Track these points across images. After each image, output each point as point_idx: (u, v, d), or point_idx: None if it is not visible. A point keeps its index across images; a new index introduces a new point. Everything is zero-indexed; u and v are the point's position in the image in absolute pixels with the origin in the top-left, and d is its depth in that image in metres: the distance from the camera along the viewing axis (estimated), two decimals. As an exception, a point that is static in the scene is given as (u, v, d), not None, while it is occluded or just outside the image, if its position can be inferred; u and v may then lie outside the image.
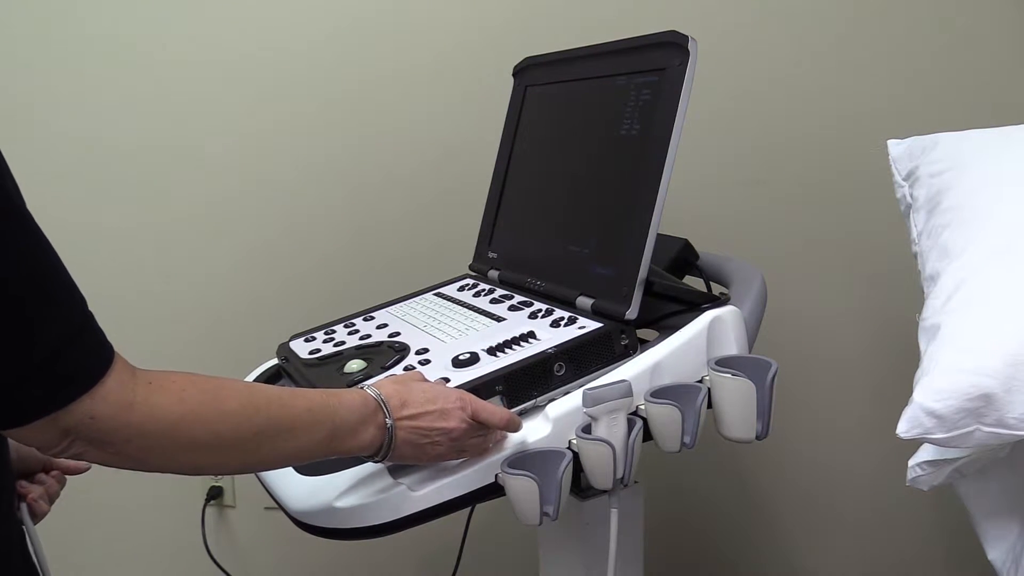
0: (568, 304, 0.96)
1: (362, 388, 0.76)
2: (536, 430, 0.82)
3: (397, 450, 0.75)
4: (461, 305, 1.06)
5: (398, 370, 0.89)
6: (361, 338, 1.03)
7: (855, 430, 1.61)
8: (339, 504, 0.77)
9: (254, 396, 0.69)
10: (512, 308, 1.00)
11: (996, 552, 1.06)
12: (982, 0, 1.49)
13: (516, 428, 0.81)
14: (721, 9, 1.46)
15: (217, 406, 0.66)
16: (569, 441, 0.82)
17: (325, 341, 1.05)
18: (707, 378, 0.86)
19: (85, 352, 0.61)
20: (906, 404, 0.89)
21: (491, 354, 0.87)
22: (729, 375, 0.83)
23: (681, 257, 1.08)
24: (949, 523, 1.63)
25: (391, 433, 0.74)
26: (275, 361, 1.08)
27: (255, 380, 1.05)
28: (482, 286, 1.12)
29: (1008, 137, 1.09)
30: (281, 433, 0.69)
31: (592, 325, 0.88)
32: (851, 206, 1.53)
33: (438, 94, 1.44)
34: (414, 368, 0.88)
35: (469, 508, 1.08)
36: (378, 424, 0.74)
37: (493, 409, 0.80)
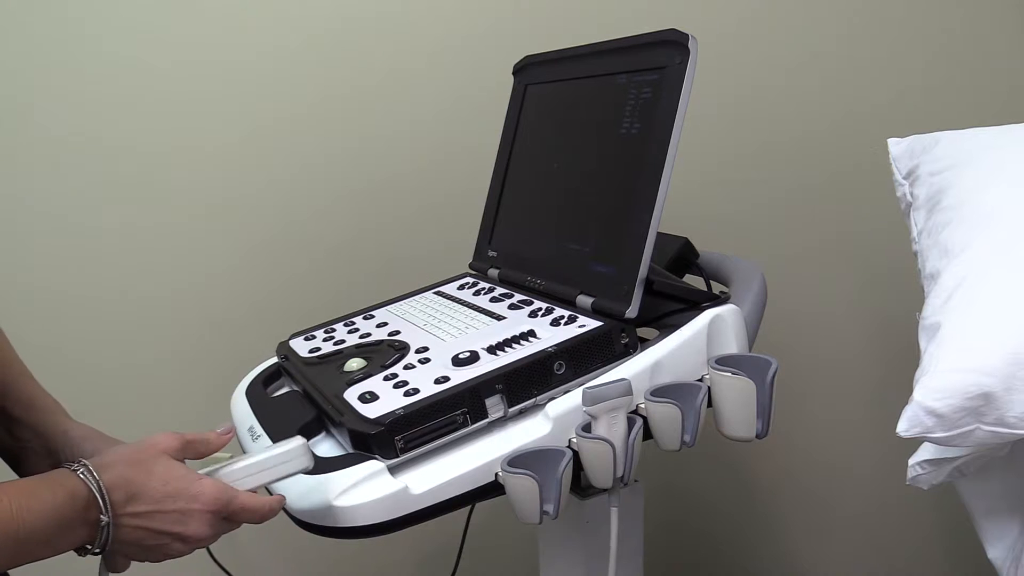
0: (568, 303, 0.96)
1: (79, 473, 0.62)
2: (536, 429, 0.82)
3: (118, 548, 0.64)
4: (461, 304, 1.06)
5: (398, 368, 0.89)
6: (361, 337, 1.03)
7: (855, 429, 1.61)
8: (339, 503, 0.77)
9: None
10: (512, 307, 1.00)
11: (996, 551, 1.06)
12: (982, 0, 1.49)
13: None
14: (722, 7, 1.46)
15: None
16: (569, 440, 0.82)
17: (325, 340, 1.05)
18: (707, 377, 0.86)
19: None
20: (906, 403, 0.89)
21: (491, 353, 0.87)
22: (729, 374, 0.83)
23: (681, 256, 1.08)
24: (949, 522, 1.63)
25: (107, 532, 0.63)
26: (275, 360, 1.08)
27: (255, 378, 1.05)
28: (482, 284, 1.12)
29: (1009, 136, 1.09)
30: None
31: (592, 324, 0.88)
32: (851, 205, 1.53)
33: (438, 92, 1.44)
34: (413, 367, 0.88)
35: (469, 507, 1.08)
36: (89, 522, 0.62)
37: (258, 506, 0.69)
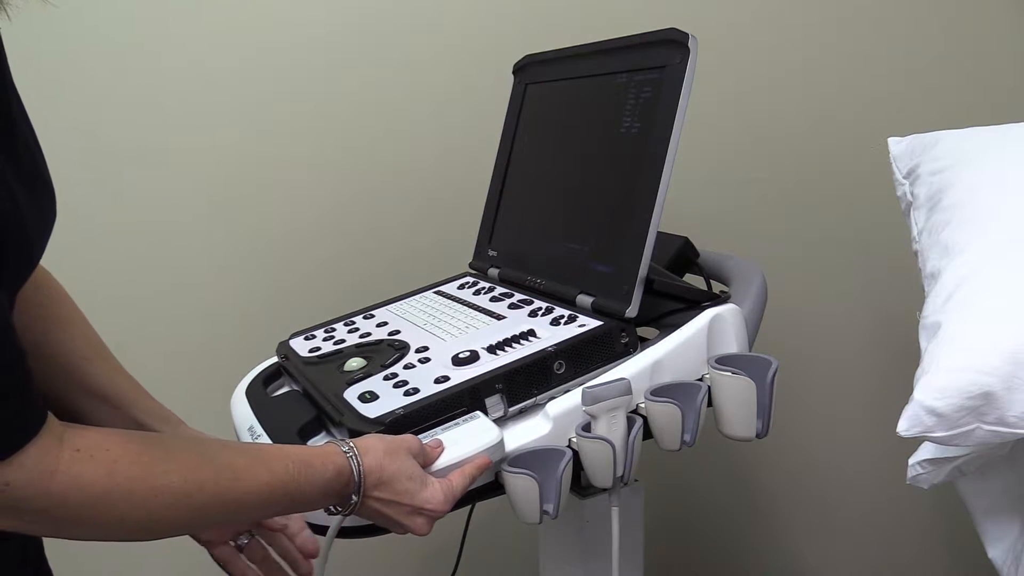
0: (568, 302, 0.96)
1: (347, 454, 0.71)
2: (536, 428, 0.82)
3: (357, 515, 0.74)
4: (461, 303, 1.06)
5: (398, 368, 0.89)
6: (361, 336, 1.02)
7: (855, 428, 1.61)
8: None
9: (201, 470, 0.63)
10: (512, 306, 1.00)
11: (996, 550, 1.06)
12: (982, 0, 1.49)
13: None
14: (722, 7, 1.46)
15: (152, 482, 0.60)
16: (569, 439, 0.82)
17: (325, 339, 1.05)
18: (707, 376, 0.86)
19: (5, 420, 0.55)
20: (906, 402, 0.89)
21: (491, 352, 0.87)
22: (729, 373, 0.83)
23: (681, 255, 1.08)
24: (949, 521, 1.63)
25: (353, 507, 0.72)
26: (275, 359, 1.08)
27: (255, 378, 1.05)
28: (482, 284, 1.12)
29: (1009, 135, 1.09)
30: (225, 509, 0.65)
31: (592, 323, 0.88)
32: (852, 204, 1.53)
33: (438, 92, 1.44)
34: (413, 367, 0.88)
35: (469, 506, 1.08)
36: (343, 496, 0.71)
37: (470, 482, 0.76)
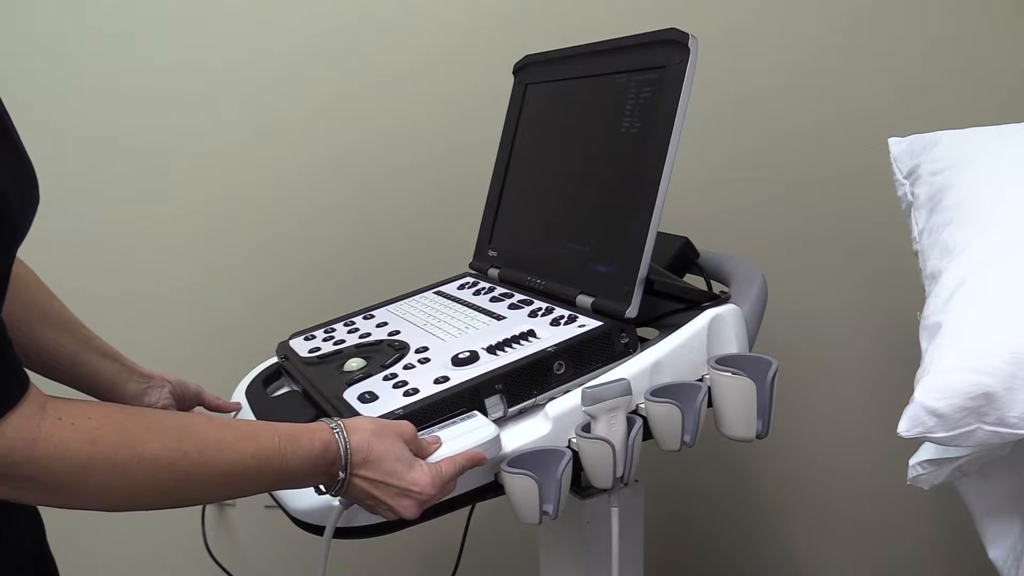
0: (568, 302, 0.96)
1: (334, 430, 0.71)
2: (536, 429, 0.82)
3: (348, 496, 0.74)
4: (461, 303, 1.06)
5: (398, 368, 0.89)
6: (361, 336, 1.02)
7: (856, 429, 1.60)
8: (339, 503, 0.77)
9: (184, 441, 0.63)
10: (512, 306, 1.00)
11: (997, 551, 1.06)
12: (982, 0, 1.49)
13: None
14: (722, 7, 1.46)
15: (134, 449, 0.60)
16: (569, 440, 0.82)
17: (325, 339, 1.05)
18: (707, 377, 0.86)
19: None
20: (907, 403, 0.89)
21: (491, 352, 0.87)
22: (729, 374, 0.83)
23: (681, 255, 1.08)
24: (950, 522, 1.63)
25: (341, 485, 0.72)
26: (275, 360, 1.08)
27: (255, 378, 1.05)
28: (482, 284, 1.12)
29: (1009, 135, 1.09)
30: (211, 481, 0.65)
31: (592, 323, 0.88)
32: (852, 204, 1.53)
33: (438, 92, 1.44)
34: (413, 367, 0.88)
35: (469, 507, 1.08)
36: (330, 473, 0.71)
37: (461, 471, 0.76)
